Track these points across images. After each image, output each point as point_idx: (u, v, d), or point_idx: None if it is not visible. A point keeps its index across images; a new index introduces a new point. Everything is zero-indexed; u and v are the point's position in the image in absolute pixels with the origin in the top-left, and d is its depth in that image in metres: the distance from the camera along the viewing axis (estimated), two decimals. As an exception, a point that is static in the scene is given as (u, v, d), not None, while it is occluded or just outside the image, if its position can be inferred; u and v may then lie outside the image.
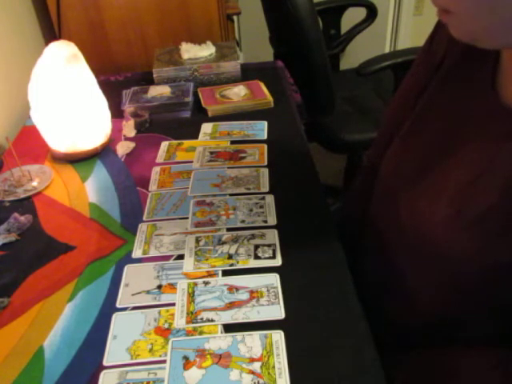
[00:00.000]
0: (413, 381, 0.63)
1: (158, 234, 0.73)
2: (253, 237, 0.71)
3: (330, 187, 2.04)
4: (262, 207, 0.76)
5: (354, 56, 2.21)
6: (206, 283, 0.64)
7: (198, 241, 0.71)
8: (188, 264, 0.67)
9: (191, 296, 0.62)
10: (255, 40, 2.31)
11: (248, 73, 1.19)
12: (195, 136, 0.98)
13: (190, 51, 1.19)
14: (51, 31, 1.37)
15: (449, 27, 0.47)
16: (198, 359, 0.54)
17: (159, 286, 0.64)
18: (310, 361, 0.54)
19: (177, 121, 1.05)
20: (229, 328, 0.58)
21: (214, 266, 0.66)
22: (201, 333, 0.57)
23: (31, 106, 0.87)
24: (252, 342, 0.56)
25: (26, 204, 0.82)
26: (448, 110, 0.58)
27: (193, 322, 0.59)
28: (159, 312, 0.60)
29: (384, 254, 0.66)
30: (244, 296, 0.62)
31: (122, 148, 0.95)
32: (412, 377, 0.63)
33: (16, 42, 1.21)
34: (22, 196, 0.83)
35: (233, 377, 0.52)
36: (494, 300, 0.55)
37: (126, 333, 0.58)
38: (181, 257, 0.68)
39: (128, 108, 1.05)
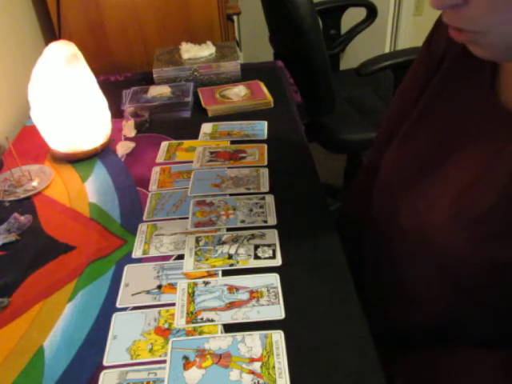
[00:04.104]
0: (413, 381, 0.63)
1: (158, 234, 0.73)
2: (253, 237, 0.71)
3: (330, 187, 2.04)
4: (262, 207, 0.76)
5: (354, 56, 2.21)
6: (205, 283, 0.64)
7: (197, 241, 0.71)
8: (188, 264, 0.67)
9: (191, 296, 0.62)
10: (255, 40, 2.31)
11: (248, 73, 1.19)
12: (195, 136, 0.98)
13: (190, 51, 1.19)
14: (51, 31, 1.37)
15: (471, 46, 0.45)
16: (198, 359, 0.54)
17: (159, 286, 0.64)
18: (310, 361, 0.54)
19: (177, 121, 1.05)
20: (229, 328, 0.58)
21: (214, 266, 0.66)
22: (201, 333, 0.57)
23: (31, 106, 0.87)
24: (252, 342, 0.56)
25: (25, 204, 0.82)
26: (448, 110, 0.58)
27: (193, 322, 0.59)
28: (159, 312, 0.60)
29: (384, 254, 0.66)
30: (244, 296, 0.62)
31: (122, 148, 0.95)
32: (412, 377, 0.63)
33: (16, 42, 1.21)
34: (22, 196, 0.83)
35: (233, 377, 0.52)
36: (494, 300, 0.55)
37: (125, 333, 0.58)
38: (181, 257, 0.68)
39: (128, 108, 1.05)
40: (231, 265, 0.66)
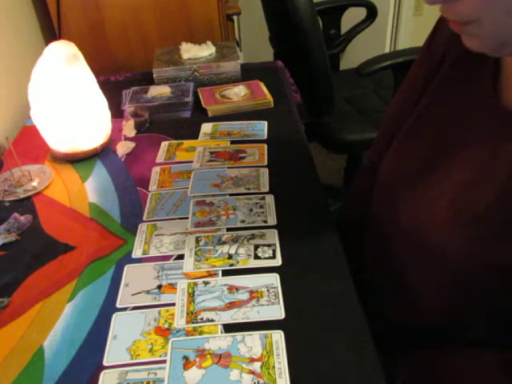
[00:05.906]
0: (413, 381, 0.63)
1: (158, 234, 0.73)
2: (253, 237, 0.71)
3: (330, 187, 2.04)
4: (262, 207, 0.76)
5: (354, 56, 2.21)
6: (205, 283, 0.64)
7: (197, 241, 0.71)
8: (188, 264, 0.67)
9: (191, 296, 0.62)
10: (255, 40, 2.31)
11: (248, 73, 1.19)
12: (195, 136, 0.98)
13: (190, 51, 1.19)
14: (51, 31, 1.37)
15: (466, 39, 0.45)
16: (197, 359, 0.54)
17: (159, 286, 0.64)
18: (310, 361, 0.54)
19: (177, 121, 1.05)
20: (229, 328, 0.58)
21: (214, 266, 0.66)
22: (201, 333, 0.57)
23: (31, 106, 0.87)
24: (252, 342, 0.56)
25: (26, 204, 0.82)
26: (448, 110, 0.58)
27: (193, 322, 0.59)
28: (159, 312, 0.60)
29: (384, 254, 0.66)
30: (244, 296, 0.62)
31: (122, 148, 0.95)
32: (412, 377, 0.63)
33: (16, 42, 1.21)
34: (22, 196, 0.83)
35: (233, 377, 0.52)
36: (494, 300, 0.55)
37: (126, 333, 0.58)
38: (181, 257, 0.68)
39: (128, 108, 1.05)
40: (231, 265, 0.66)
